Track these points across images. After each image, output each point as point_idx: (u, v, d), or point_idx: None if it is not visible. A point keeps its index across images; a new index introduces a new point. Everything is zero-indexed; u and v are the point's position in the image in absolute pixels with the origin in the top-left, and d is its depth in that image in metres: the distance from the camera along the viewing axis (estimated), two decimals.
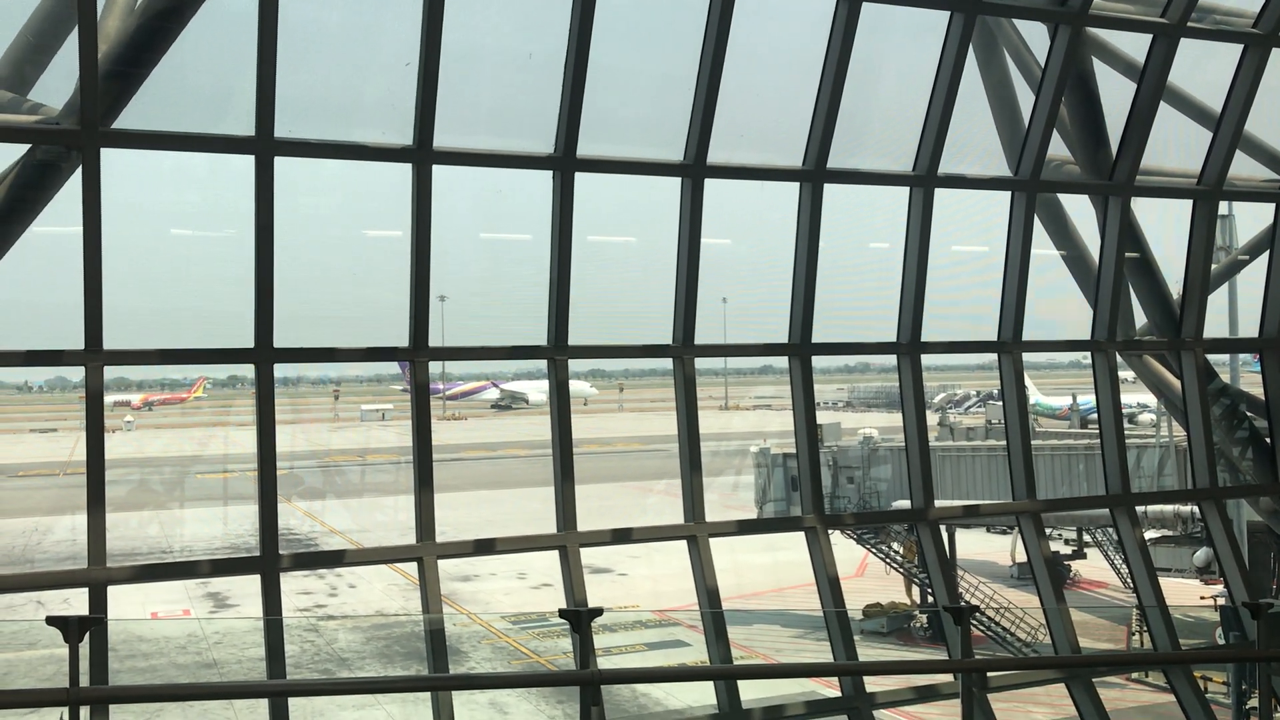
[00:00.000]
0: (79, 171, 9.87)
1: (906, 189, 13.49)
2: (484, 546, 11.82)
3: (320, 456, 59.65)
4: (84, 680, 6.11)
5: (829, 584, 12.83)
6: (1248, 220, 18.74)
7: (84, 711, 6.20)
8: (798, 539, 13.32)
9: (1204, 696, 14.12)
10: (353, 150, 11.12)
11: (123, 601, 10.13)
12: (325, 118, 11.15)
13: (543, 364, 12.32)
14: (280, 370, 10.99)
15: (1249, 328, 16.59)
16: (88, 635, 5.96)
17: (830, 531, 13.25)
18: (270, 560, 10.63)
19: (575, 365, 12.33)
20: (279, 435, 10.92)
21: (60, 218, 10.05)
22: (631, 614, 33.44)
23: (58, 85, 10.01)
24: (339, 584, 38.90)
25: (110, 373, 10.36)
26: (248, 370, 11.00)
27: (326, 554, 13.90)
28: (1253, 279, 16.56)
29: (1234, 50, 14.79)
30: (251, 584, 10.78)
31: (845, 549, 29.86)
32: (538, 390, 75.58)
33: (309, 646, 31.52)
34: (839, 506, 34.85)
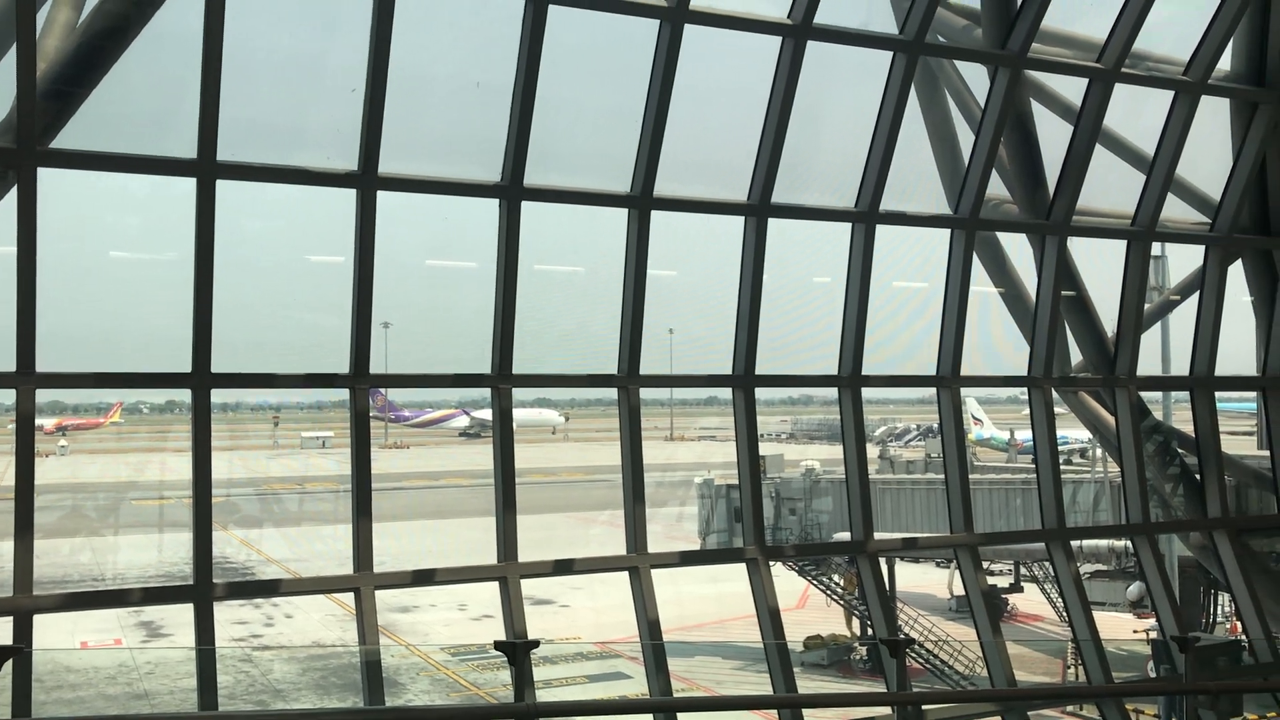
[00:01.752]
0: (14, 191, 9.70)
1: (849, 225, 13.67)
2: (423, 577, 11.72)
3: (258, 484, 58.74)
4: (4, 713, 5.96)
5: (770, 615, 12.86)
6: (1179, 261, 19.21)
7: None
8: (740, 570, 13.34)
9: None
10: (297, 175, 11.06)
11: (52, 630, 9.89)
12: (270, 141, 11.06)
13: (538, 393, 12.26)
14: (219, 396, 10.85)
15: (1180, 366, 16.96)
16: (9, 665, 5.81)
17: (772, 563, 13.30)
18: (204, 589, 10.44)
19: (541, 394, 12.29)
20: (216, 462, 10.76)
21: None
22: (572, 646, 33.21)
23: None
24: (275, 614, 38.22)
25: (43, 396, 10.15)
26: (186, 395, 10.84)
27: (262, 583, 13.70)
28: (1184, 319, 16.97)
29: (1166, 96, 15.21)
30: (185, 613, 10.57)
31: (787, 580, 29.93)
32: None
33: (243, 677, 30.90)
34: (781, 538, 34.90)
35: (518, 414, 12.24)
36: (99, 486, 56.18)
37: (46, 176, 9.79)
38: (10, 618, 9.70)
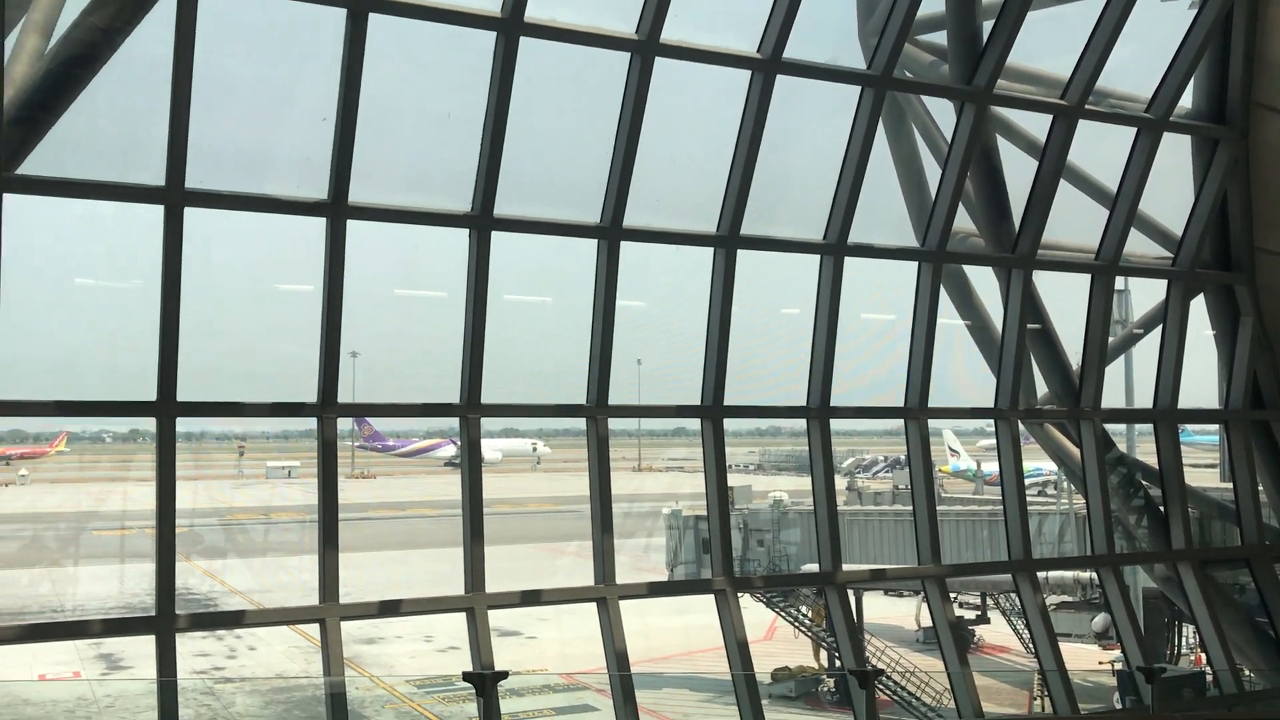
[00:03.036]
0: None
1: (818, 257, 13.77)
2: (389, 608, 11.62)
3: (223, 514, 58.04)
4: None
5: (738, 647, 12.83)
6: (1142, 296, 19.45)
7: None
8: (708, 602, 13.30)
9: None
10: (266, 203, 11.03)
11: (9, 662, 9.73)
12: (239, 169, 11.03)
13: (507, 423, 12.23)
14: (184, 425, 10.74)
15: (1144, 399, 17.14)
16: None
17: (740, 594, 13.28)
18: (166, 620, 10.31)
19: (509, 424, 12.26)
20: (180, 491, 10.63)
21: None
22: (539, 677, 32.94)
23: None
24: (238, 645, 37.70)
25: (4, 424, 10.03)
26: (150, 424, 10.73)
27: (225, 614, 13.54)
28: (1148, 352, 17.16)
29: (1129, 132, 15.47)
30: (146, 646, 10.43)
31: (755, 612, 29.85)
32: (493, 449, 74.96)
33: (205, 710, 30.40)
34: (749, 569, 34.85)
35: (505, 444, 12.25)
36: (60, 516, 55.33)
37: (12, 202, 9.70)
38: None
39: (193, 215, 10.42)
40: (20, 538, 47.32)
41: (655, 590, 13.69)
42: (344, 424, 11.64)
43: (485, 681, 6.46)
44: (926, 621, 31.17)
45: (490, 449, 71.98)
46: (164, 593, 10.39)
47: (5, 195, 9.64)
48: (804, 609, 35.14)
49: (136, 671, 32.28)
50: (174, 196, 10.28)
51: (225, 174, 10.68)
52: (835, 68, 13.41)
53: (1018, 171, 15.26)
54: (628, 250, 12.56)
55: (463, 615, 11.77)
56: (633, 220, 12.49)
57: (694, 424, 13.51)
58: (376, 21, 10.62)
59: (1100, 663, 28.80)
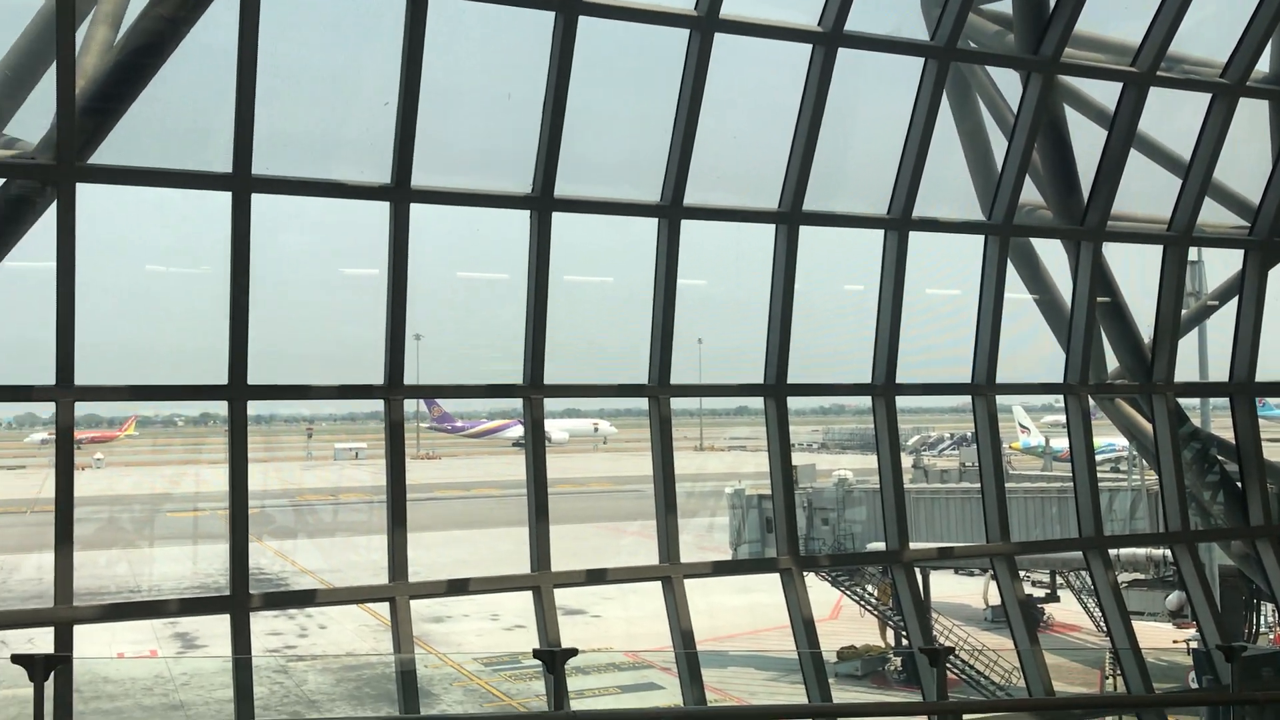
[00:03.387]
0: (54, 207, 9.82)
1: (881, 232, 13.61)
2: (457, 586, 11.75)
3: (292, 495, 59.09)
4: None
5: (804, 626, 12.79)
6: (1217, 266, 18.98)
7: None
8: (773, 581, 13.27)
9: None
10: (331, 188, 11.13)
11: (89, 641, 9.98)
12: (303, 155, 11.15)
13: (571, 403, 12.31)
14: (253, 408, 10.92)
15: (1219, 372, 16.75)
16: (52, 675, 5.86)
17: (805, 573, 13.22)
18: (240, 599, 10.50)
19: (571, 404, 12.31)
20: (251, 473, 10.81)
21: (34, 253, 10.00)
22: (604, 656, 33.16)
23: (35, 121, 9.98)
24: (309, 624, 38.42)
25: (81, 409, 10.26)
26: (220, 407, 10.92)
27: (298, 593, 13.77)
28: (1222, 324, 16.77)
29: (1202, 99, 15.06)
30: (220, 624, 10.63)
31: (820, 591, 29.76)
32: (560, 430, 75.80)
33: (278, 688, 31.05)
34: (814, 548, 34.77)
35: (571, 424, 12.33)
36: (135, 499, 56.71)
37: (85, 192, 9.90)
38: (51, 628, 9.79)
39: (259, 201, 10.55)
40: (97, 520, 48.52)
41: (720, 569, 13.67)
42: (410, 405, 11.74)
43: (555, 658, 6.49)
44: (994, 599, 30.88)
45: (557, 429, 72.88)
46: (238, 572, 10.58)
47: (78, 185, 9.83)
48: (870, 588, 34.98)
49: (211, 650, 33.06)
50: (241, 183, 10.42)
51: (291, 160, 10.81)
52: (898, 39, 13.21)
53: (1086, 141, 14.94)
54: (688, 228, 12.51)
55: (529, 594, 11.86)
56: (693, 198, 12.43)
57: (756, 403, 13.45)
58: (436, 4, 10.64)
59: (1175, 641, 28.34)
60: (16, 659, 5.73)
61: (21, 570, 41.25)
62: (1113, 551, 15.46)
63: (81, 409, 10.24)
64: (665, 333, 12.54)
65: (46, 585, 10.20)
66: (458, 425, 76.37)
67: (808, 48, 12.52)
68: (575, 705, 6.55)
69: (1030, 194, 14.83)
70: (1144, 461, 27.20)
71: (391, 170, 11.08)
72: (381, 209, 11.20)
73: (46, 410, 10.17)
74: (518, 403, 12.18)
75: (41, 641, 9.29)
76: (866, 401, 13.97)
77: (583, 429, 75.90)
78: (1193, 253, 16.39)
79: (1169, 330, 15.59)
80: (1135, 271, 16.10)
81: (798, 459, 14.60)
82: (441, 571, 12.17)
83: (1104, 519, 15.13)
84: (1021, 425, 52.15)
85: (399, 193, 11.10)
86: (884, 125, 13.93)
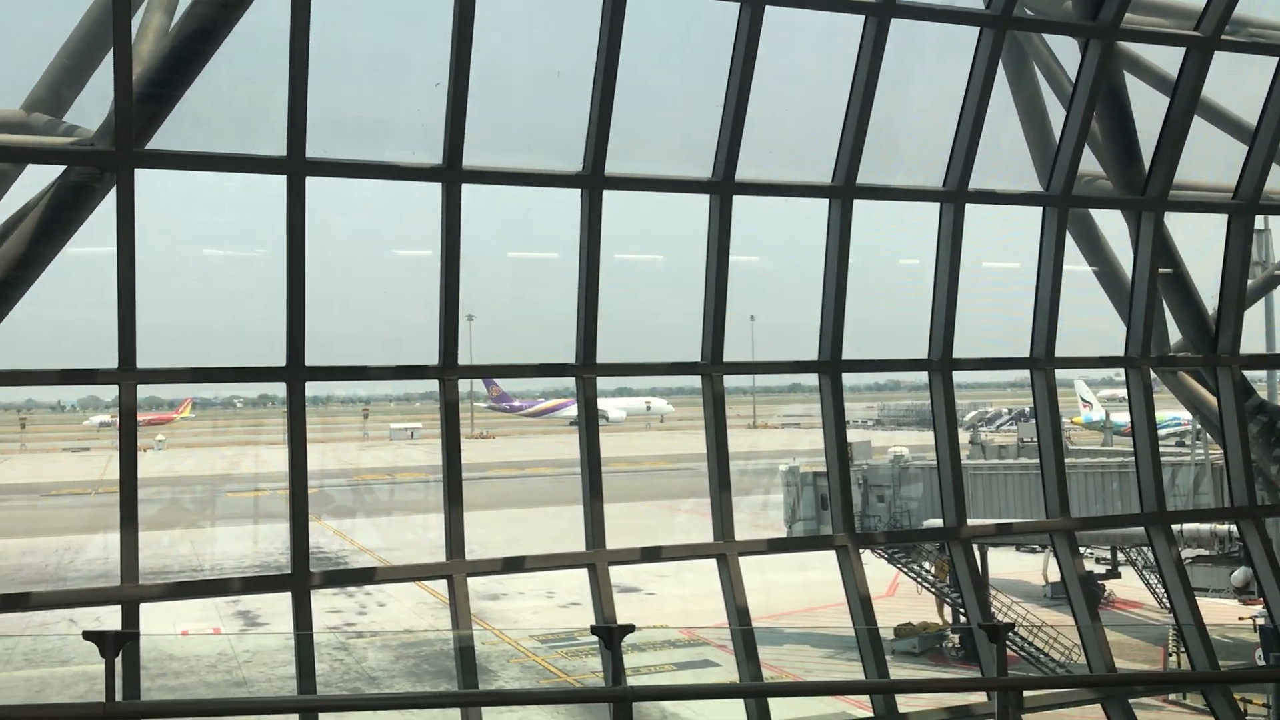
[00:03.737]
0: (113, 192, 9.97)
1: (937, 204, 13.43)
2: (514, 564, 11.81)
3: (349, 475, 59.88)
4: (118, 696, 6.12)
5: (860, 603, 12.72)
6: None
7: None
8: (827, 559, 13.21)
9: (1244, 718, 13.88)
10: (383, 170, 11.19)
11: (152, 620, 10.17)
12: (356, 138, 11.21)
13: (625, 382, 12.34)
14: (310, 389, 11.03)
15: None
16: (121, 651, 5.98)
17: (861, 551, 13.14)
18: (301, 577, 10.64)
19: (622, 383, 12.31)
20: (309, 453, 10.94)
21: (95, 238, 10.16)
22: (659, 633, 33.29)
23: (93, 107, 10.13)
24: (368, 602, 38.96)
25: (140, 392, 10.43)
26: (277, 389, 11.05)
27: (357, 571, 13.95)
28: None
29: (1269, 63, 14.65)
30: (281, 603, 10.79)
31: (876, 569, 29.60)
32: (617, 408, 76.34)
33: (338, 665, 31.55)
34: (869, 525, 34.60)
35: (628, 403, 12.35)
36: (196, 479, 57.78)
37: (143, 177, 10.03)
38: (119, 606, 10.00)
39: (313, 183, 10.63)
40: (160, 500, 49.50)
41: (775, 546, 13.63)
42: (464, 386, 11.81)
43: (613, 634, 6.50)
44: (1054, 576, 30.55)
45: (614, 408, 73.32)
46: (299, 551, 10.72)
47: (136, 170, 9.97)
48: (926, 565, 34.78)
49: (273, 627, 33.62)
50: (295, 166, 10.49)
51: (344, 142, 10.87)
52: (952, 8, 12.97)
53: (1147, 109, 14.61)
54: (740, 204, 12.41)
55: (584, 571, 11.91)
56: (745, 173, 12.33)
57: (809, 380, 13.35)
58: None
59: (1240, 618, 27.88)
60: (88, 635, 5.86)
61: (88, 550, 42.23)
62: (1176, 527, 15.18)
63: (141, 392, 10.39)
64: (718, 309, 12.48)
65: (112, 565, 10.40)
66: (515, 405, 76.99)
67: (860, 18, 12.35)
68: (631, 681, 6.55)
69: (1089, 164, 14.53)
70: (1208, 436, 26.72)
71: (443, 151, 11.10)
72: (433, 190, 11.23)
73: (108, 393, 10.34)
74: (572, 382, 12.20)
75: (109, 620, 9.47)
76: (922, 377, 13.82)
77: (636, 407, 76.16)
78: (1259, 221, 15.95)
79: (1234, 301, 15.25)
80: (1199, 241, 15.75)
81: (852, 436, 14.48)
82: (496, 550, 12.23)
83: (1167, 494, 14.88)
84: (1084, 400, 51.44)
85: (450, 173, 11.13)
86: (939, 96, 13.72)
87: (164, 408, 76.09)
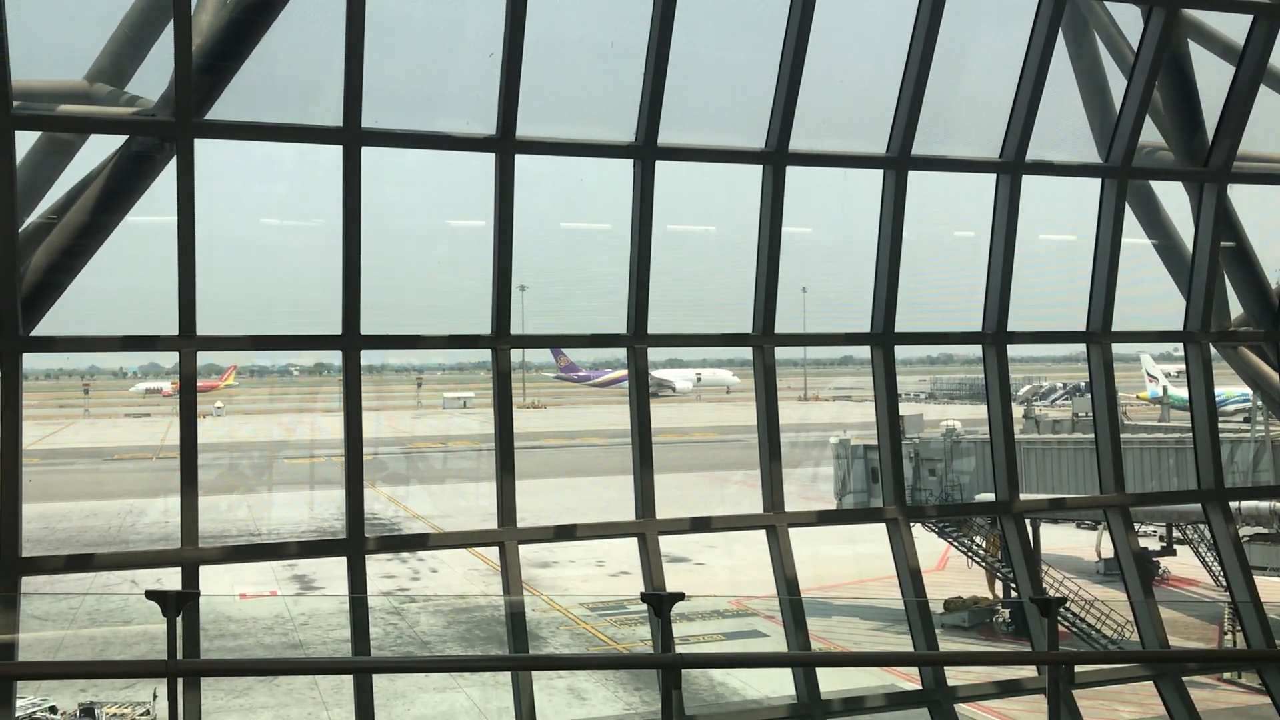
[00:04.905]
0: (174, 162, 10.13)
1: (993, 176, 13.25)
2: (564, 532, 11.92)
3: (403, 443, 60.60)
4: (179, 655, 6.29)
5: (910, 576, 12.70)
6: None
7: (178, 686, 6.38)
8: (877, 531, 13.20)
9: None
10: (437, 140, 11.26)
11: (211, 583, 10.41)
12: (411, 108, 11.28)
13: (690, 353, 12.37)
14: (365, 358, 11.17)
15: None
16: (182, 612, 6.14)
17: (912, 524, 13.10)
18: (356, 542, 10.83)
19: (673, 354, 12.32)
20: (364, 421, 11.10)
21: (155, 207, 10.34)
22: (708, 602, 33.45)
23: (153, 78, 10.29)
24: (421, 568, 39.52)
25: (201, 358, 10.63)
26: (333, 357, 11.21)
27: (411, 537, 14.15)
28: None
29: None
30: (336, 568, 10.98)
31: (926, 542, 29.50)
32: (683, 379, 76.77)
33: (391, 629, 32.07)
34: (920, 499, 34.45)
35: (691, 374, 12.35)
36: (253, 445, 58.77)
37: (203, 147, 10.19)
38: (179, 568, 10.24)
39: (368, 154, 10.73)
40: (218, 466, 50.41)
41: (825, 519, 13.62)
42: (515, 355, 11.89)
43: (662, 602, 6.56)
44: (1108, 552, 30.23)
45: (680, 379, 73.73)
46: (354, 517, 10.91)
47: (196, 140, 10.12)
48: (978, 539, 34.56)
49: (328, 591, 34.22)
50: (351, 137, 10.60)
51: (399, 113, 10.95)
52: None
53: (1211, 78, 14.27)
54: (793, 175, 12.34)
55: (633, 541, 12.00)
56: (799, 144, 12.24)
57: (861, 352, 13.29)
58: None
59: None
60: (151, 595, 6.02)
61: (149, 514, 43.19)
62: (1234, 504, 14.95)
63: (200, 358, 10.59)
64: (770, 281, 12.44)
65: (173, 528, 10.66)
66: (584, 375, 77.48)
67: None
68: (680, 650, 6.62)
69: (1150, 134, 14.26)
70: (1270, 412, 26.24)
71: (496, 121, 11.15)
72: (487, 160, 11.28)
73: (168, 360, 10.54)
74: (671, 352, 12.21)
75: (169, 581, 9.71)
76: (975, 351, 13.70)
77: (713, 379, 76.32)
78: None
79: None
80: (1263, 214, 15.40)
81: (904, 409, 14.39)
82: (547, 518, 12.35)
83: (1225, 470, 14.65)
84: (1149, 374, 50.59)
85: (504, 144, 11.17)
86: (996, 65, 13.51)
87: (210, 375, 77.36)
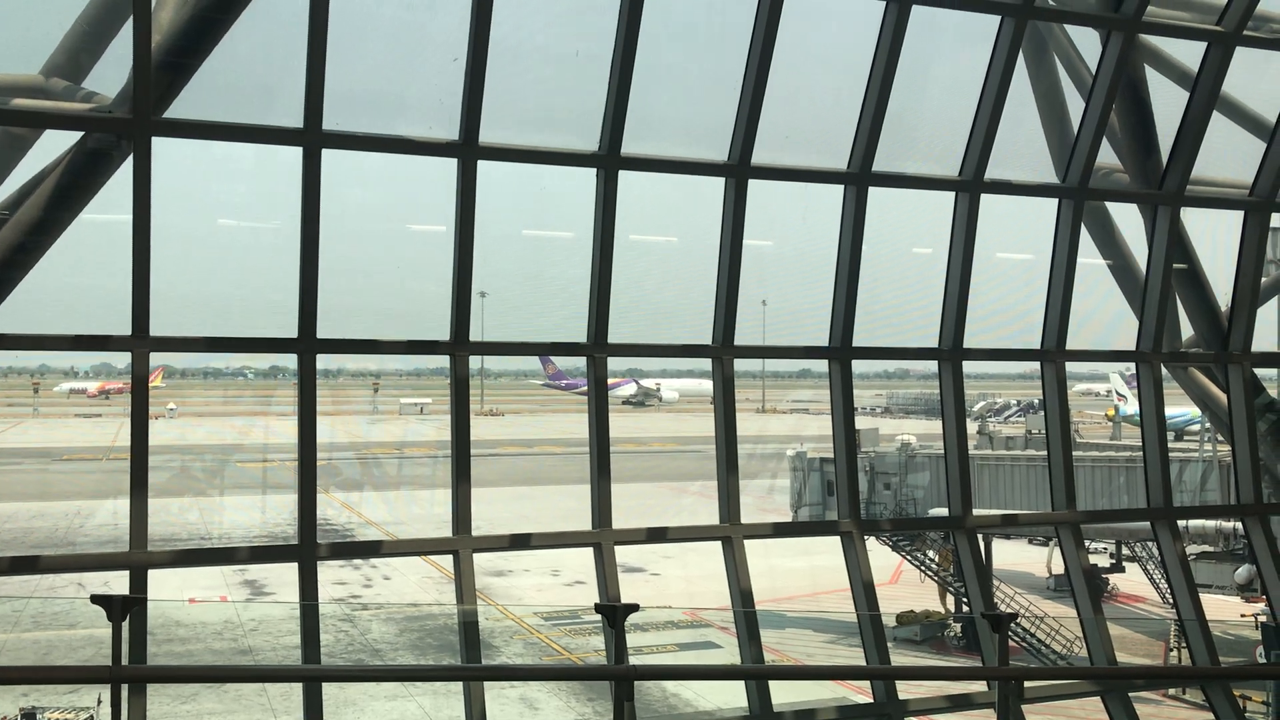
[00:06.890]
0: (130, 160, 10.00)
1: (952, 194, 13.40)
2: (519, 541, 11.86)
3: (358, 448, 60.11)
4: (124, 660, 6.19)
5: (864, 589, 12.76)
6: None
7: (123, 692, 6.28)
8: (832, 544, 13.25)
9: (1243, 715, 13.90)
10: (399, 144, 11.19)
11: (161, 587, 10.27)
12: (372, 111, 11.22)
13: (683, 363, 12.35)
14: (321, 362, 11.07)
15: None
16: (128, 616, 6.04)
17: (866, 537, 13.18)
18: (308, 548, 10.71)
19: (633, 364, 12.32)
20: (318, 426, 10.99)
21: (111, 205, 10.19)
22: (663, 613, 33.41)
23: (111, 74, 10.14)
24: (374, 575, 39.19)
25: (154, 359, 10.48)
26: (289, 360, 11.09)
27: (364, 544, 13.99)
28: None
29: None
30: (287, 573, 10.86)
31: (880, 556, 29.70)
32: (670, 389, 76.66)
33: (343, 636, 31.77)
34: (875, 513, 34.67)
35: (681, 384, 12.36)
36: (206, 448, 58.05)
37: (160, 145, 10.06)
38: (127, 572, 10.08)
39: (328, 156, 10.64)
40: (169, 468, 49.74)
41: (781, 530, 13.67)
42: (474, 362, 11.83)
43: (616, 613, 6.54)
44: (1058, 568, 30.58)
45: (667, 389, 73.90)
46: (306, 522, 10.79)
47: (154, 138, 9.99)
48: (930, 553, 34.84)
49: (279, 597, 33.85)
50: (311, 138, 10.51)
51: (361, 116, 10.87)
52: None
53: (1167, 103, 14.52)
54: (755, 188, 12.39)
55: (589, 550, 11.96)
56: (761, 158, 12.31)
57: (819, 366, 13.36)
58: None
59: (1243, 615, 27.88)
60: (96, 599, 5.92)
61: (97, 516, 42.51)
62: (1181, 523, 15.18)
63: (115, 360, 10.45)
64: (730, 293, 12.48)
65: (121, 530, 10.49)
66: (572, 382, 77.22)
67: (880, 4, 12.30)
68: (634, 660, 6.60)
69: (1107, 156, 14.48)
70: (1216, 432, 26.66)
71: (459, 127, 11.11)
72: (449, 165, 11.24)
73: (120, 360, 10.39)
74: (631, 362, 12.21)
75: (117, 585, 9.55)
76: (931, 366, 13.82)
77: (691, 389, 76.23)
78: (1275, 219, 15.88)
79: (1247, 298, 15.20)
80: (1214, 237, 15.68)
81: (860, 423, 14.46)
82: (503, 526, 12.29)
83: (1173, 490, 14.87)
84: (1119, 393, 51.17)
85: (467, 149, 11.13)
86: (957, 85, 13.66)
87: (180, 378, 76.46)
